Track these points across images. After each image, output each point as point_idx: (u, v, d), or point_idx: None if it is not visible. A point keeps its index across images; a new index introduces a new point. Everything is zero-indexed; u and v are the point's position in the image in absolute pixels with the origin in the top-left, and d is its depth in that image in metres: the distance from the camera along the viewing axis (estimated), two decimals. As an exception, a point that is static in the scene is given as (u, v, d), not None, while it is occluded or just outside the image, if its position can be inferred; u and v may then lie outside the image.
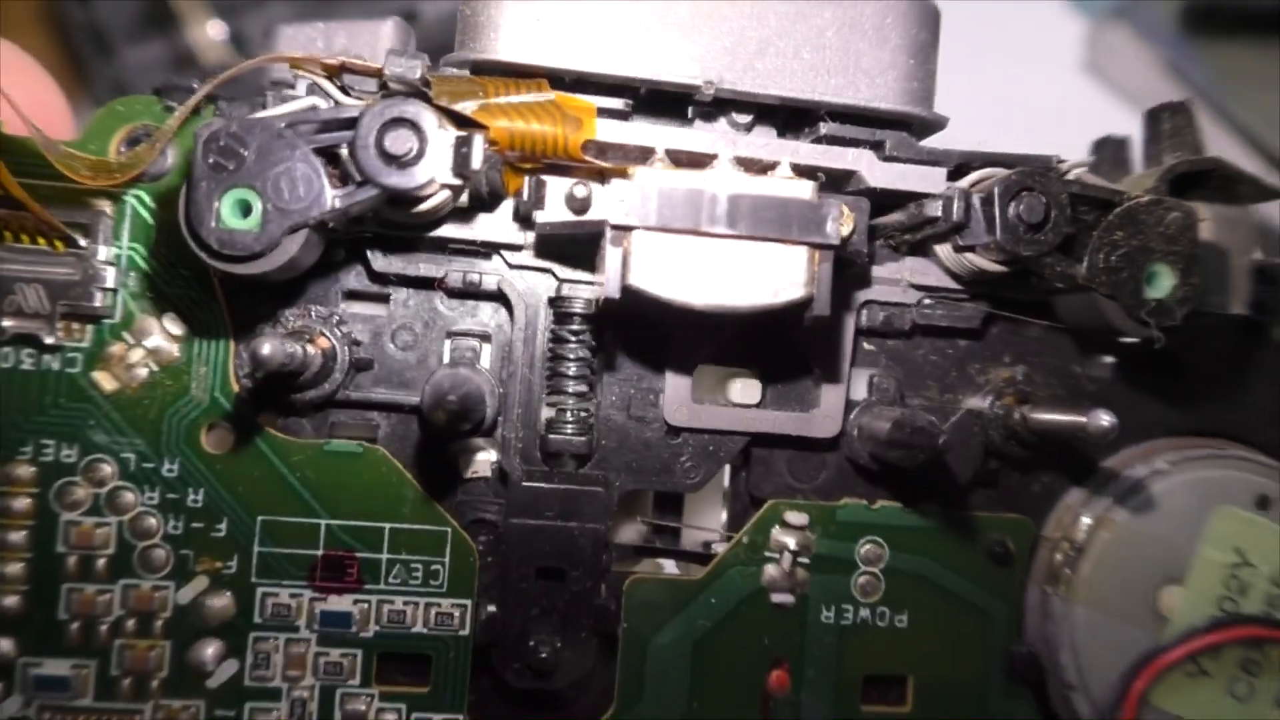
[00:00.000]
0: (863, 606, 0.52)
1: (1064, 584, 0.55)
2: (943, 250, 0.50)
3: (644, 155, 0.45)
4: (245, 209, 0.42)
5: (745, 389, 0.52)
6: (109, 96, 1.15)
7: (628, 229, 0.43)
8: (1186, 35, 0.98)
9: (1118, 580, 0.55)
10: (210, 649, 0.48)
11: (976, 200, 0.46)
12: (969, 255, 0.49)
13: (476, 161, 0.43)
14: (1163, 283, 0.48)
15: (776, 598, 0.51)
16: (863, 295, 0.52)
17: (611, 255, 0.43)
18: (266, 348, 0.42)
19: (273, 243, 0.41)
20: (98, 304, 0.47)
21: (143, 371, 0.48)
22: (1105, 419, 0.47)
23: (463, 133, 0.43)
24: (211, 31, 1.10)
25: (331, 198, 0.42)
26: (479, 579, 0.50)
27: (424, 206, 0.45)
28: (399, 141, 0.42)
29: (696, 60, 0.46)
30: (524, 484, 0.49)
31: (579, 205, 0.46)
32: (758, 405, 0.51)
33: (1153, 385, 0.57)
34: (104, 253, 0.47)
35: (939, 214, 0.46)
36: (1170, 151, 0.52)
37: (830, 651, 0.52)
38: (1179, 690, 0.56)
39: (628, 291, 0.44)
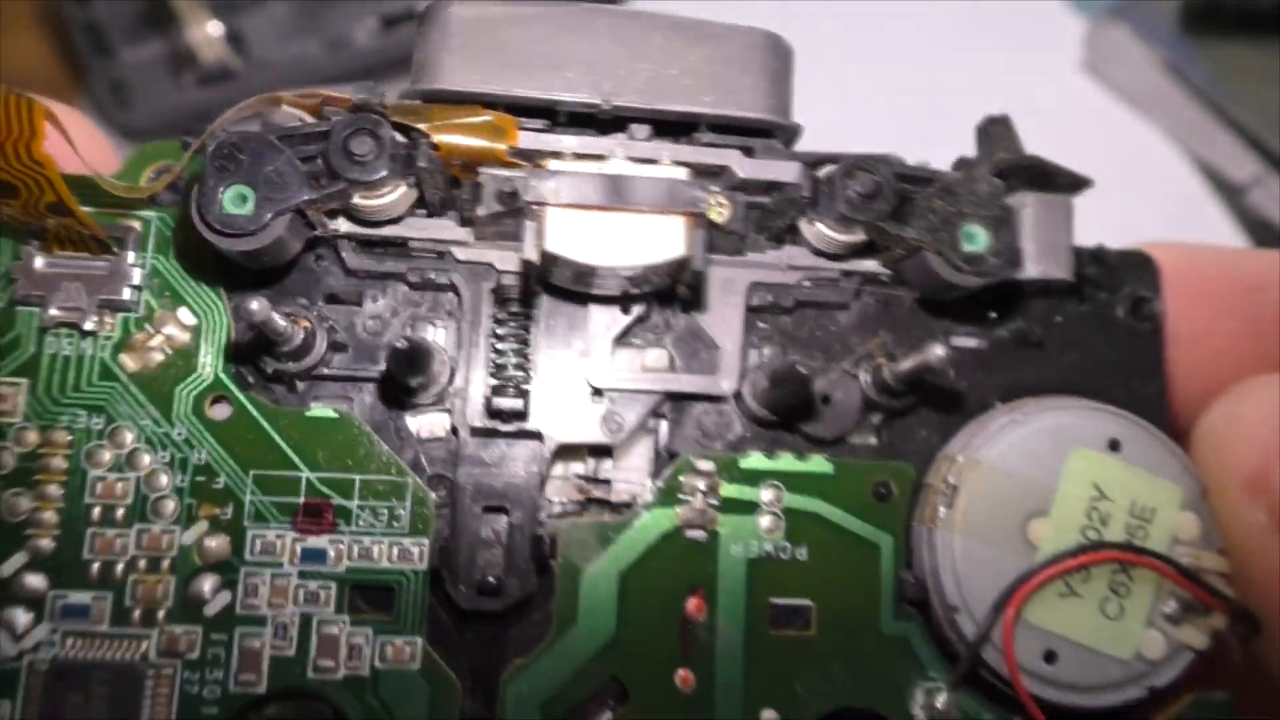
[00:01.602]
0: (766, 541, 0.53)
1: (943, 520, 0.59)
2: (808, 231, 0.54)
3: (556, 156, 0.50)
4: (242, 200, 0.47)
5: (657, 358, 0.54)
6: (108, 95, 1.09)
7: (542, 204, 0.48)
8: (1186, 35, 0.93)
9: (990, 515, 0.58)
10: (208, 583, 0.50)
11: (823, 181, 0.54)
12: (827, 230, 0.52)
13: (422, 161, 0.48)
14: (979, 240, 0.52)
15: (690, 534, 0.52)
16: (751, 278, 0.60)
17: (529, 227, 0.48)
18: (254, 303, 0.46)
19: (262, 223, 0.47)
20: (126, 298, 0.52)
21: (159, 355, 0.52)
22: (939, 349, 0.53)
23: (409, 139, 0.49)
24: (210, 31, 1.04)
25: (308, 189, 0.48)
26: (434, 523, 0.52)
27: (383, 201, 0.49)
28: (360, 145, 0.47)
29: (597, 86, 0.50)
30: (472, 438, 0.53)
31: (506, 198, 0.50)
32: (669, 369, 0.54)
33: (1013, 354, 0.62)
34: (132, 258, 0.52)
35: (797, 195, 0.51)
36: (999, 152, 0.59)
37: (739, 581, 0.53)
38: (1054, 609, 0.58)
39: (544, 256, 0.48)
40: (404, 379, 0.47)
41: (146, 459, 0.52)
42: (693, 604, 0.53)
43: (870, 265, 0.56)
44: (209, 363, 0.53)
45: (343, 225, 0.53)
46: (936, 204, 0.50)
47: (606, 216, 0.49)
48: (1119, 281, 0.59)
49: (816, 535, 0.54)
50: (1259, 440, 0.53)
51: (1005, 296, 0.57)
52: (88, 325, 0.52)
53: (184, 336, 0.54)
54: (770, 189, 0.52)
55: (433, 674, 0.51)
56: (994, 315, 0.59)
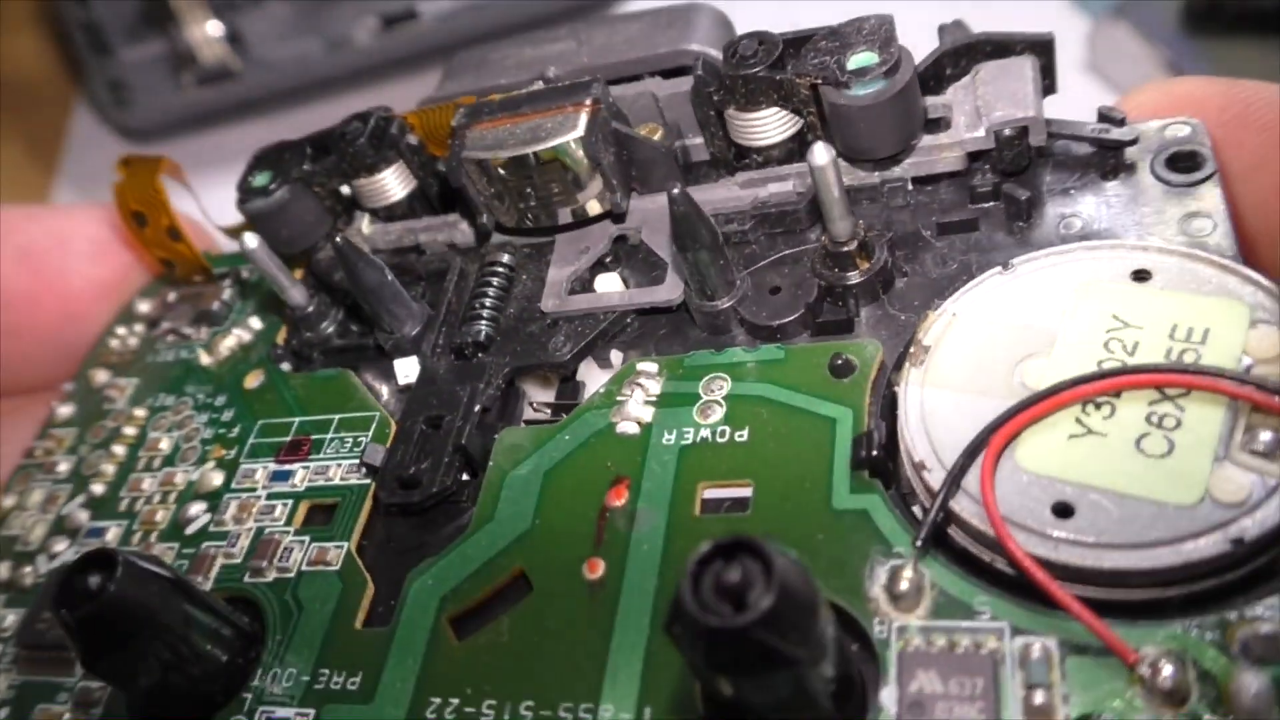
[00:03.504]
0: (703, 428, 0.45)
1: (908, 379, 0.45)
2: (735, 132, 0.51)
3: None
4: (263, 178, 0.58)
5: (608, 281, 0.53)
6: (108, 95, 1.02)
7: (464, 128, 0.53)
8: (1187, 34, 0.86)
9: (970, 363, 0.43)
10: (195, 508, 0.53)
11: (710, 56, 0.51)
12: (739, 115, 0.51)
13: (394, 129, 0.56)
14: (867, 60, 0.46)
15: (621, 427, 0.46)
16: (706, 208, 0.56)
17: (454, 149, 0.53)
18: (249, 237, 0.57)
19: (270, 190, 0.57)
20: (216, 310, 0.63)
21: (227, 351, 0.61)
22: (820, 148, 0.44)
23: (384, 121, 0.61)
24: (210, 31, 1.00)
25: (306, 168, 0.58)
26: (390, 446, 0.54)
27: (376, 179, 0.57)
28: (350, 126, 0.57)
29: (543, 73, 0.57)
30: (428, 364, 0.53)
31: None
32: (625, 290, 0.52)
33: (1015, 228, 0.50)
34: (227, 282, 0.65)
35: (699, 71, 0.50)
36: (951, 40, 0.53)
37: (667, 467, 0.45)
38: (1063, 453, 0.40)
39: (466, 161, 0.52)
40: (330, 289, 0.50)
41: (191, 421, 0.59)
42: (614, 493, 0.46)
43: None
44: (260, 351, 0.62)
45: (365, 225, 0.62)
46: (822, 45, 0.48)
47: (515, 123, 0.53)
48: (1148, 143, 0.50)
49: (761, 416, 0.46)
50: None
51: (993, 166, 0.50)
52: (186, 331, 0.64)
53: (249, 336, 0.63)
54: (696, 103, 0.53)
55: (348, 574, 0.49)
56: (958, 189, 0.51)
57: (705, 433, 0.46)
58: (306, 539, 0.50)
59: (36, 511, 0.58)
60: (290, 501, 0.52)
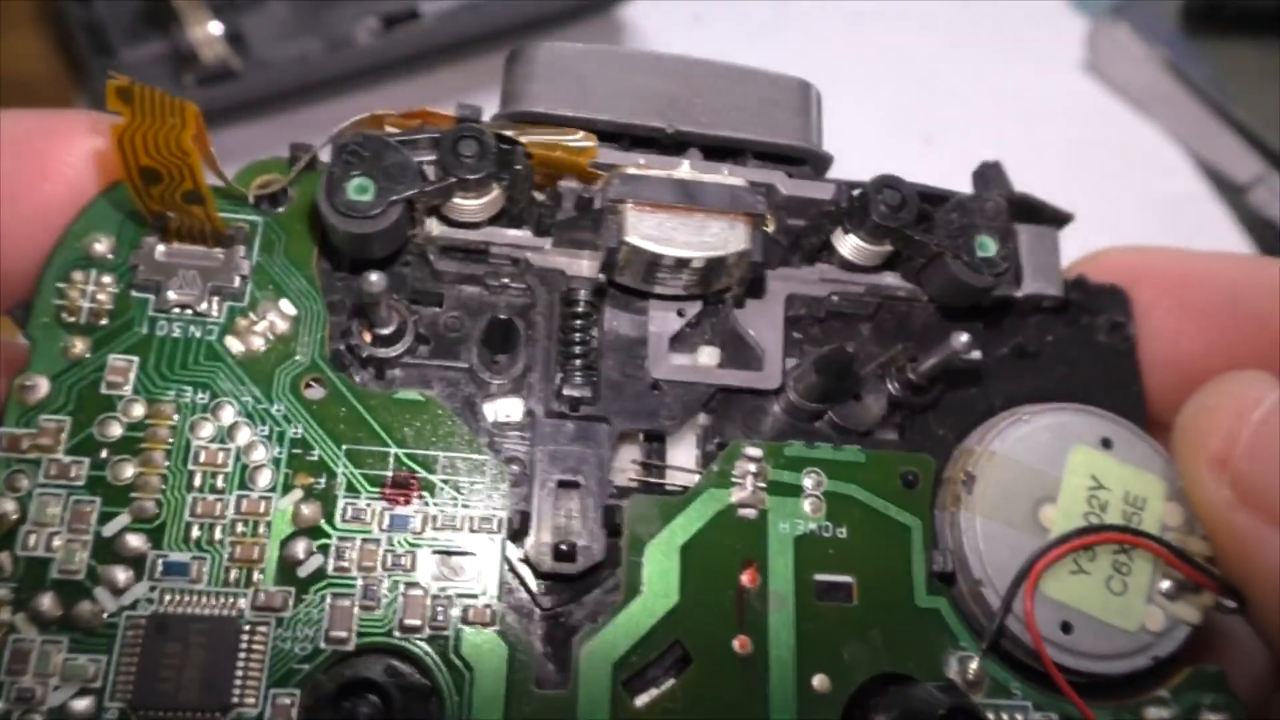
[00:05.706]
0: (810, 521, 0.58)
1: (965, 503, 0.64)
2: (842, 245, 0.64)
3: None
4: (363, 189, 0.53)
5: (709, 355, 0.61)
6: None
7: (623, 202, 0.54)
8: (1186, 34, 0.92)
9: (1006, 499, 0.64)
10: (302, 546, 0.53)
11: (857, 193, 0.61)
12: (861, 242, 0.62)
13: (518, 164, 0.56)
14: (990, 248, 0.60)
15: (742, 512, 0.57)
16: (787, 289, 0.66)
17: (611, 220, 0.54)
18: (375, 276, 0.53)
19: (381, 208, 0.53)
20: (235, 287, 0.56)
21: (260, 340, 0.56)
22: (963, 335, 0.60)
23: (506, 146, 0.59)
24: (210, 31, 0.99)
25: (420, 182, 0.53)
26: (510, 499, 0.56)
27: (478, 202, 0.55)
28: (468, 147, 0.54)
29: (662, 113, 0.58)
30: (547, 419, 0.57)
31: (584, 203, 0.57)
32: (718, 367, 0.60)
33: (1012, 366, 0.70)
34: (242, 252, 0.57)
35: (834, 205, 0.59)
36: (994, 191, 0.68)
37: (788, 556, 0.57)
38: (1066, 584, 0.63)
39: (624, 245, 0.54)
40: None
41: (246, 432, 0.55)
42: (747, 575, 0.57)
43: (889, 280, 0.63)
44: (307, 348, 0.57)
45: (435, 228, 0.58)
46: (953, 217, 0.57)
47: (678, 215, 0.55)
48: (1099, 306, 0.67)
49: (854, 517, 0.59)
50: (1223, 426, 0.60)
51: (1003, 313, 0.64)
52: (201, 308, 0.56)
53: (284, 325, 0.57)
54: (808, 207, 0.59)
55: (510, 635, 0.54)
56: (986, 328, 0.65)
57: (813, 526, 0.59)
58: (452, 594, 0.55)
59: (60, 528, 0.53)
60: (417, 550, 0.55)
